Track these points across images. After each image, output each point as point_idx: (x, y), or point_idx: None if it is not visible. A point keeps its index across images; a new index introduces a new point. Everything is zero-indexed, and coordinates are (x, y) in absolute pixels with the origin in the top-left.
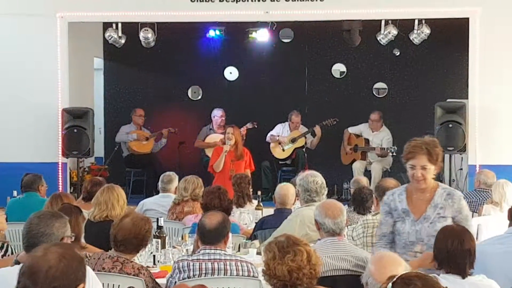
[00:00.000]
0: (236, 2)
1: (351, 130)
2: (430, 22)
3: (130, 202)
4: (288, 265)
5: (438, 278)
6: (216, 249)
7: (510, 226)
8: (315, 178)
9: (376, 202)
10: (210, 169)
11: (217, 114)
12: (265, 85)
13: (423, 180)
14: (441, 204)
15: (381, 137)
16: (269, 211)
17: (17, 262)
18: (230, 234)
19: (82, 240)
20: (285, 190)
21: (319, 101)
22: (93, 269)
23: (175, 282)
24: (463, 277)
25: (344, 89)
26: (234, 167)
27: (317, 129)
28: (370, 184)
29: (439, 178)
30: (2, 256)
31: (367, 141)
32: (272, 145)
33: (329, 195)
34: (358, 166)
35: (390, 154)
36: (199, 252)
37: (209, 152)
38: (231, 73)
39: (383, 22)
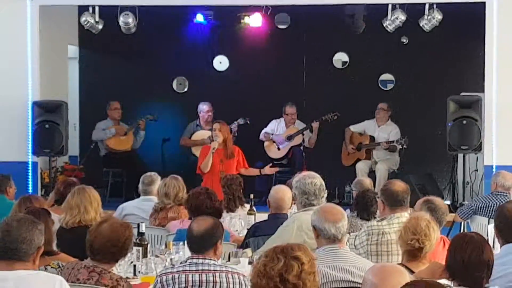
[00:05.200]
0: None
1: (354, 128)
2: (442, 6)
3: (108, 206)
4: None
5: None
6: (205, 259)
7: (504, 245)
8: (313, 179)
9: (382, 206)
10: (198, 170)
11: (203, 109)
12: (258, 77)
13: None
14: None
15: (388, 131)
16: (262, 216)
17: None
18: (221, 243)
19: (54, 247)
20: (281, 193)
21: (319, 94)
22: (67, 280)
23: None
24: None
25: (346, 81)
26: (224, 167)
27: (315, 125)
28: (374, 187)
29: (451, 180)
30: None
31: (372, 138)
32: (266, 143)
33: (329, 199)
34: (361, 167)
35: (399, 146)
36: (185, 262)
37: (196, 151)
38: (221, 62)
39: (390, 7)
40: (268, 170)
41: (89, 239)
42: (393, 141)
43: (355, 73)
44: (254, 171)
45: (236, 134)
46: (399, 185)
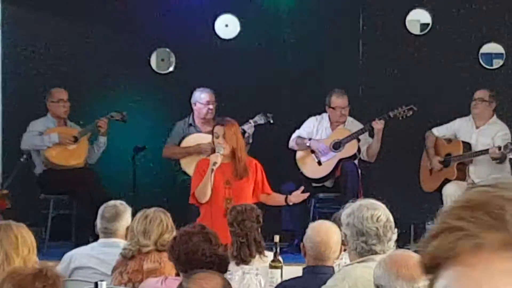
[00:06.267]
0: None
1: (439, 131)
2: None
3: (49, 255)
4: None
5: None
6: None
7: None
8: (374, 212)
9: None
10: (192, 200)
11: (201, 99)
12: (287, 49)
13: None
14: None
15: (492, 134)
16: (294, 270)
17: None
18: None
19: None
20: (324, 234)
21: (383, 76)
22: None
23: None
24: None
25: (427, 54)
26: (233, 192)
27: (378, 126)
28: None
29: None
30: None
31: (467, 146)
32: (300, 154)
33: (401, 243)
34: (452, 192)
35: (511, 156)
36: None
37: (188, 166)
38: (227, 26)
39: None
40: (296, 197)
41: None
42: (500, 147)
43: (442, 42)
44: (279, 199)
45: (251, 141)
46: None
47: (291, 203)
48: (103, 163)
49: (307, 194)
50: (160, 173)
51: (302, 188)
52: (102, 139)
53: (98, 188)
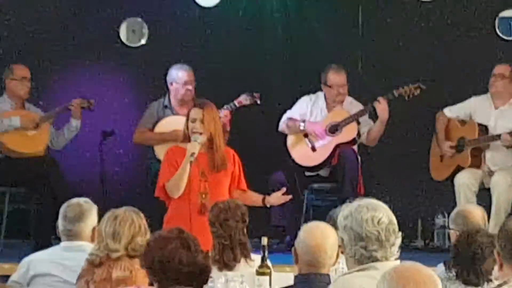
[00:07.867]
0: None
1: (451, 112)
2: None
3: (4, 257)
4: None
5: None
6: None
7: None
8: (375, 213)
9: (499, 261)
10: (159, 193)
11: (179, 78)
12: (276, 18)
13: None
14: None
15: None
16: (285, 276)
17: None
18: None
19: None
20: (319, 237)
21: (386, 49)
22: None
23: None
24: None
25: (436, 25)
26: (209, 186)
27: (381, 106)
28: (488, 221)
29: None
30: None
31: (483, 129)
32: (291, 139)
33: (407, 240)
34: (465, 181)
35: None
36: None
37: (163, 154)
38: None
39: None
40: (276, 198)
41: None
42: None
43: (453, 8)
44: (255, 199)
45: (228, 128)
46: None
47: (268, 205)
48: (66, 151)
49: (289, 197)
50: (131, 161)
51: (284, 189)
52: (75, 123)
53: (60, 180)
